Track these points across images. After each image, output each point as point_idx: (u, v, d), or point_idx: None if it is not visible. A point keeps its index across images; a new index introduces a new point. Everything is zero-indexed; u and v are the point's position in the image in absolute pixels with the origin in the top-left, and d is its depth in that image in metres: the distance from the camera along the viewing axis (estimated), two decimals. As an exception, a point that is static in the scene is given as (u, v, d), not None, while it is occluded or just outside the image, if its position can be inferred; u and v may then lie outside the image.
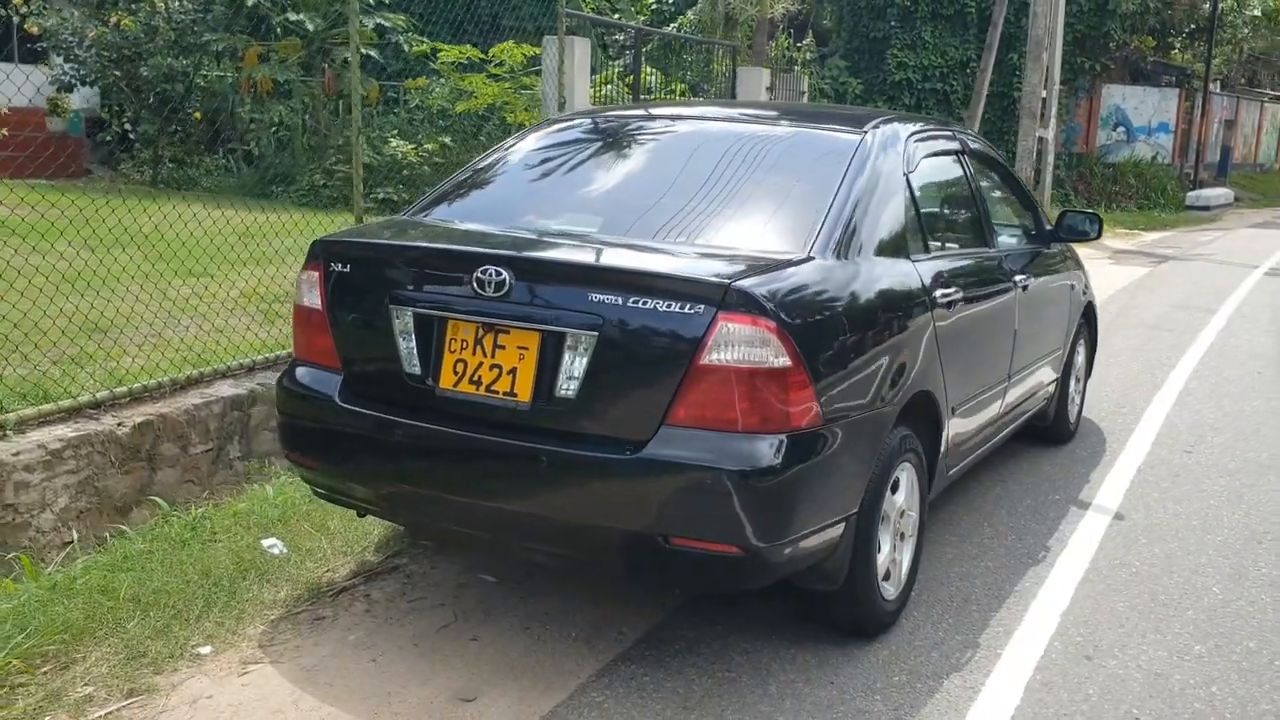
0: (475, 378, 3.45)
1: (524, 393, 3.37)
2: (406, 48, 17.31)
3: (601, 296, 3.27)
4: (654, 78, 15.58)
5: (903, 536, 3.99)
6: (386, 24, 16.69)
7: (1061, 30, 19.63)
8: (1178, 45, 33.92)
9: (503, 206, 4.12)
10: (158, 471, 5.77)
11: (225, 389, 6.26)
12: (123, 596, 3.89)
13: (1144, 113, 31.28)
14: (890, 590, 3.92)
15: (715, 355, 3.16)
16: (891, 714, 3.45)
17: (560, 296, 3.37)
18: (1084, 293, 6.33)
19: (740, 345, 3.15)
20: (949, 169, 4.77)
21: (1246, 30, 35.89)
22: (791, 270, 3.39)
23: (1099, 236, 5.66)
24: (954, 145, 4.89)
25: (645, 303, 3.23)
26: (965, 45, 26.78)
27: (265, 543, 4.41)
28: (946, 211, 4.80)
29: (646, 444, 3.22)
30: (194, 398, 6.08)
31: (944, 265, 4.26)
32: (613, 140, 4.42)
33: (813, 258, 3.50)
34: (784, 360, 3.17)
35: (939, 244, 4.39)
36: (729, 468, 3.15)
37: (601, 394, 3.29)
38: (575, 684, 3.55)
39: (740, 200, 3.88)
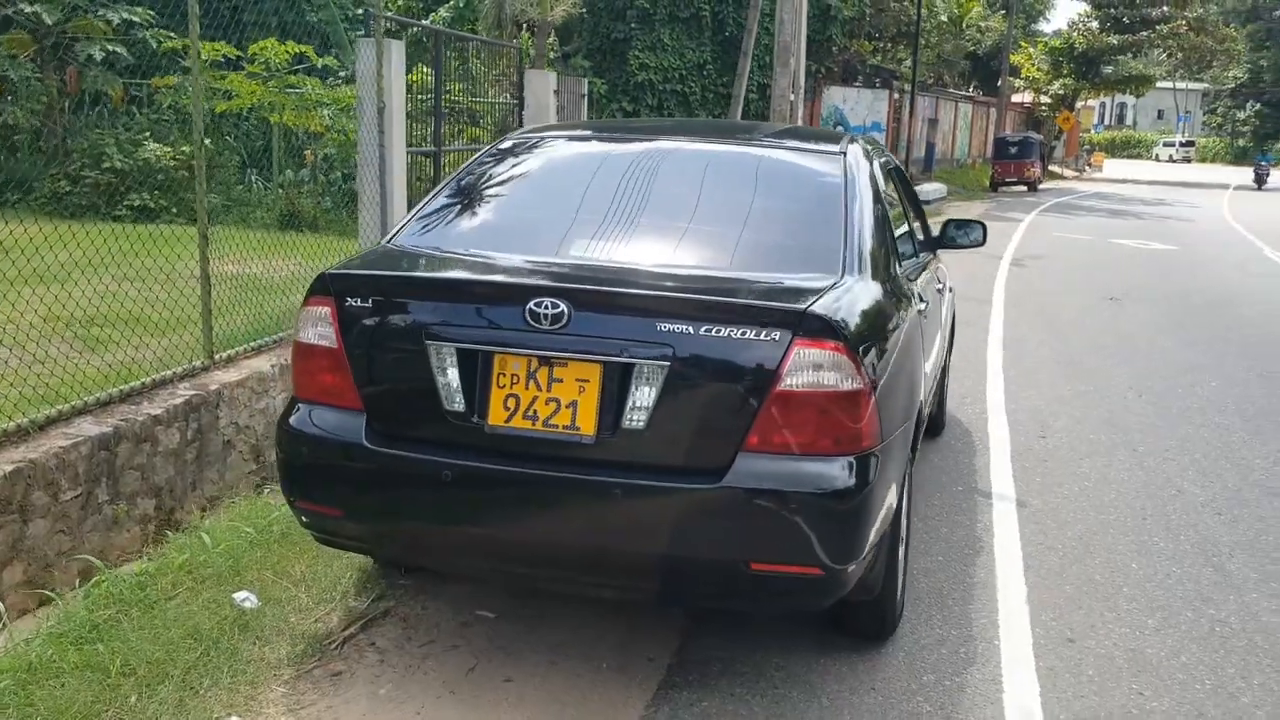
0: (530, 413, 3.35)
1: (587, 426, 3.31)
2: (155, 44, 16.21)
3: (672, 326, 3.26)
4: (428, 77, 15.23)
5: (904, 541, 4.17)
6: (135, 19, 15.59)
7: (804, 36, 20.66)
8: (886, 49, 36.30)
9: (513, 232, 4.00)
10: (29, 524, 5.27)
11: (88, 427, 5.77)
12: (115, 672, 3.54)
13: (859, 112, 33.35)
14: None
15: (792, 380, 3.22)
16: (940, 713, 3.62)
17: (626, 327, 3.33)
18: (950, 290, 6.77)
19: (816, 370, 3.23)
20: (888, 183, 5.00)
21: (935, 36, 38.84)
22: (842, 292, 3.48)
23: (984, 243, 6.07)
24: (886, 159, 5.12)
25: (719, 331, 3.24)
26: (701, 48, 27.69)
27: (237, 596, 4.11)
28: (897, 226, 5.04)
29: (726, 472, 3.24)
30: (58, 439, 5.58)
31: (913, 278, 4.48)
32: (602, 161, 4.38)
33: (847, 279, 3.61)
34: (855, 383, 3.27)
35: (899, 257, 4.61)
36: (812, 492, 3.22)
37: (672, 424, 3.27)
38: (639, 715, 3.52)
39: (757, 223, 3.94)
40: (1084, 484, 6.07)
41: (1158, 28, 45.26)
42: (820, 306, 3.29)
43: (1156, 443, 6.94)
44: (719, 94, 27.70)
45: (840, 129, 32.84)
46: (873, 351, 3.43)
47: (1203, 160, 74.99)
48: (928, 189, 29.76)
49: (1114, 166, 60.50)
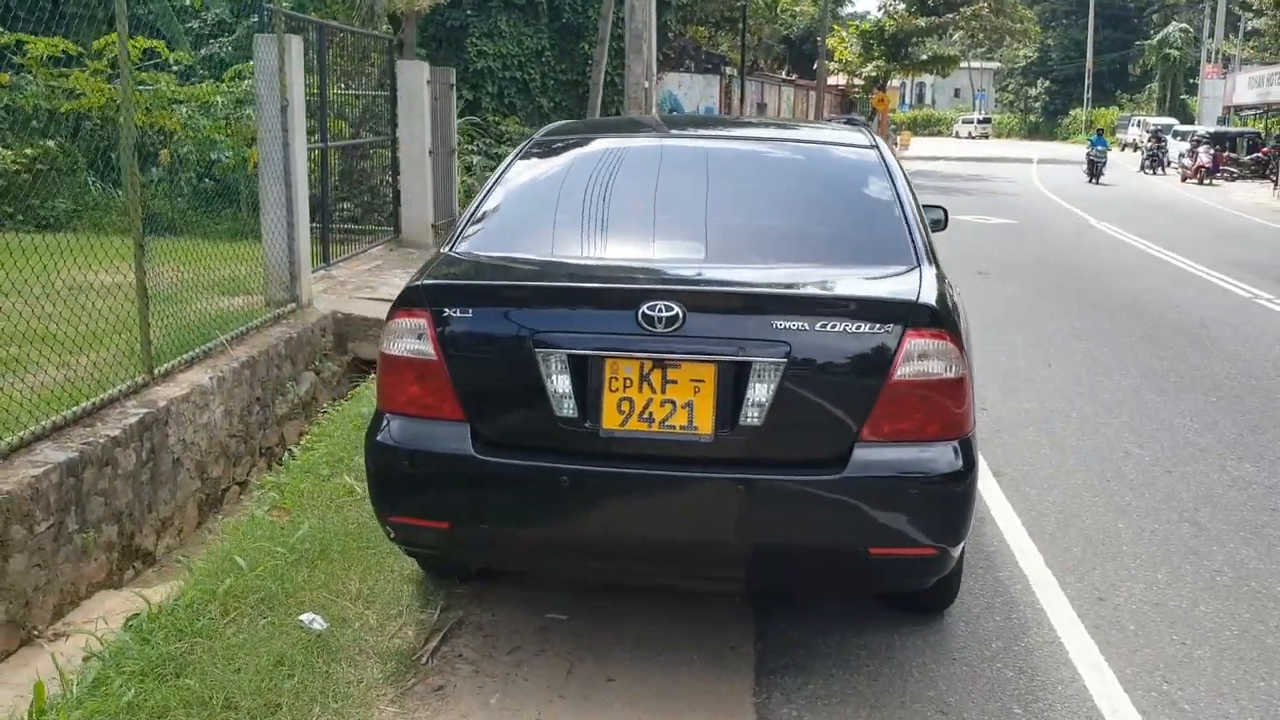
0: (646, 415, 3.39)
1: (704, 425, 3.38)
2: (-24, 40, 15.17)
3: (788, 323, 3.36)
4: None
5: None
6: (-49, 11, 14.53)
7: (655, 23, 20.88)
8: (710, 35, 36.95)
9: (590, 235, 4.00)
10: (9, 560, 5.02)
11: (52, 453, 5.52)
12: (220, 706, 3.42)
13: (693, 97, 33.89)
14: None
15: (905, 370, 3.36)
16: (1022, 677, 3.85)
17: (741, 327, 3.41)
18: None
19: (927, 359, 3.38)
20: None
21: (753, 21, 39.74)
22: (928, 282, 3.63)
23: (945, 227, 6.34)
24: None
25: (834, 326, 3.36)
26: (539, 35, 27.59)
27: (304, 619, 4.00)
28: None
29: (846, 462, 3.36)
30: (26, 468, 5.32)
31: None
32: (651, 160, 4.42)
33: (922, 268, 3.76)
34: (960, 370, 3.44)
35: None
36: (930, 476, 3.38)
37: (788, 419, 3.37)
38: (752, 704, 3.62)
39: (821, 216, 4.07)
40: (1041, 451, 6.44)
41: (961, 10, 47.43)
42: (925, 297, 3.44)
43: (1085, 408, 7.40)
44: (559, 81, 27.68)
45: (675, 114, 33.31)
46: (964, 338, 3.60)
47: (999, 136, 78.88)
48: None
49: (919, 144, 63.03)
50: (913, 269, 3.74)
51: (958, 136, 77.02)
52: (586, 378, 3.41)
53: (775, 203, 4.16)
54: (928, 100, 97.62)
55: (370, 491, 3.74)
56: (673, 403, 3.39)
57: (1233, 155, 35.66)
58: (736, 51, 37.17)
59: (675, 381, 3.39)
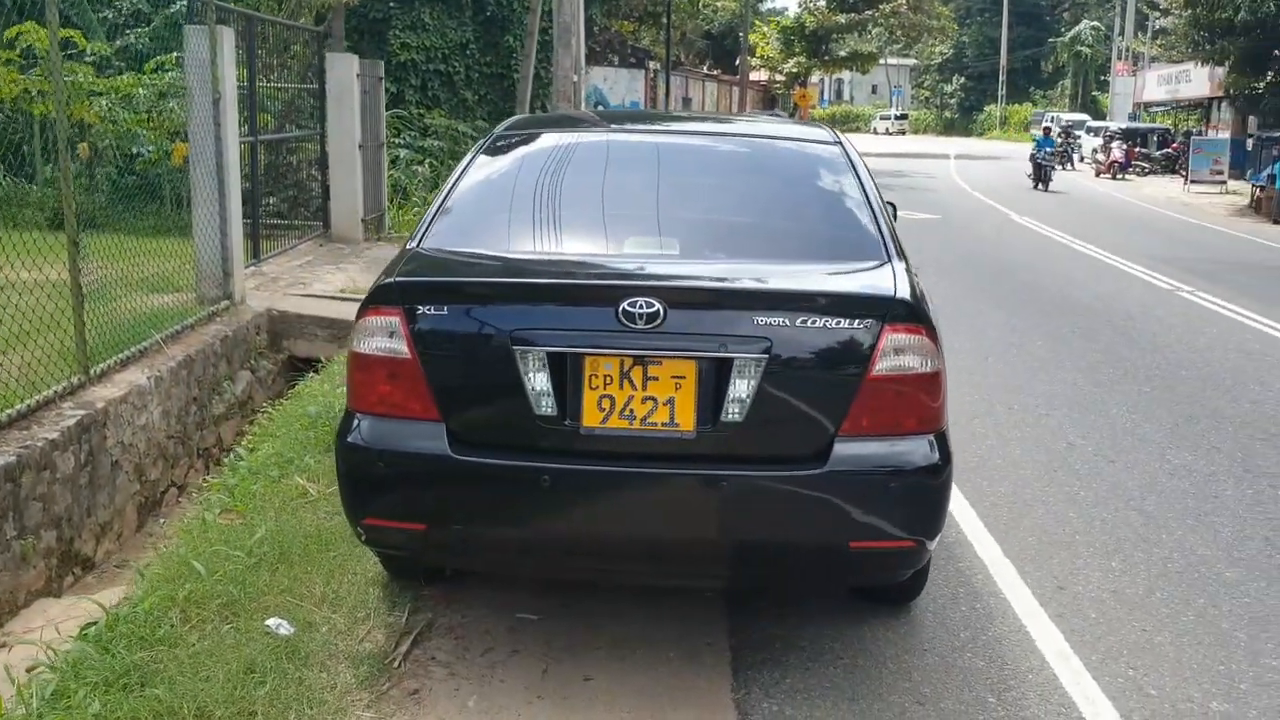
0: (627, 412, 3.37)
1: (686, 422, 3.37)
2: None
3: (768, 319, 3.36)
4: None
5: None
6: None
7: (583, 16, 20.81)
8: (639, 28, 36.95)
9: (560, 231, 3.95)
10: (-49, 568, 4.85)
11: (-13, 456, 5.33)
12: (190, 716, 3.33)
13: (619, 91, 33.88)
14: None
15: (885, 365, 3.38)
16: (993, 665, 3.91)
17: (722, 323, 3.40)
18: None
19: (905, 354, 3.40)
20: None
21: (677, 16, 39.81)
22: (900, 277, 3.66)
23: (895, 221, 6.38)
24: None
25: (814, 321, 3.37)
26: (463, 28, 27.32)
27: (270, 623, 3.91)
28: None
29: (826, 457, 3.37)
30: (-38, 472, 5.15)
31: None
32: (616, 154, 4.38)
33: (893, 264, 3.79)
34: (936, 364, 3.47)
35: None
36: (909, 470, 3.41)
37: (770, 414, 3.37)
38: (732, 699, 3.62)
39: (788, 212, 4.08)
40: (987, 442, 6.53)
41: (880, 6, 47.99)
42: (902, 292, 3.47)
43: (1026, 400, 7.53)
44: (484, 74, 27.44)
45: (601, 108, 33.27)
46: (938, 333, 3.63)
47: (916, 132, 79.98)
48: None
49: (840, 139, 63.65)
50: (884, 264, 3.77)
51: (875, 133, 77.91)
52: (565, 375, 3.38)
53: (746, 199, 4.16)
54: (846, 96, 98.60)
55: (342, 493, 3.67)
56: (654, 400, 3.37)
57: (1144, 151, 36.58)
58: (660, 45, 37.21)
59: (656, 378, 3.37)
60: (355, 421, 3.56)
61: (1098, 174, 36.22)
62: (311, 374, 8.24)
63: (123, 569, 6.26)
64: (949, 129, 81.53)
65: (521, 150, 4.41)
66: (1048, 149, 30.30)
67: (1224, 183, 29.45)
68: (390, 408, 3.51)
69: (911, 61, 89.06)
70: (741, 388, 3.34)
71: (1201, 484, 5.91)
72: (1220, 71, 30.43)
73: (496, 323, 3.43)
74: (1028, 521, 5.28)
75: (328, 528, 4.72)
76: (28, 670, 4.50)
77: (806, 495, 3.38)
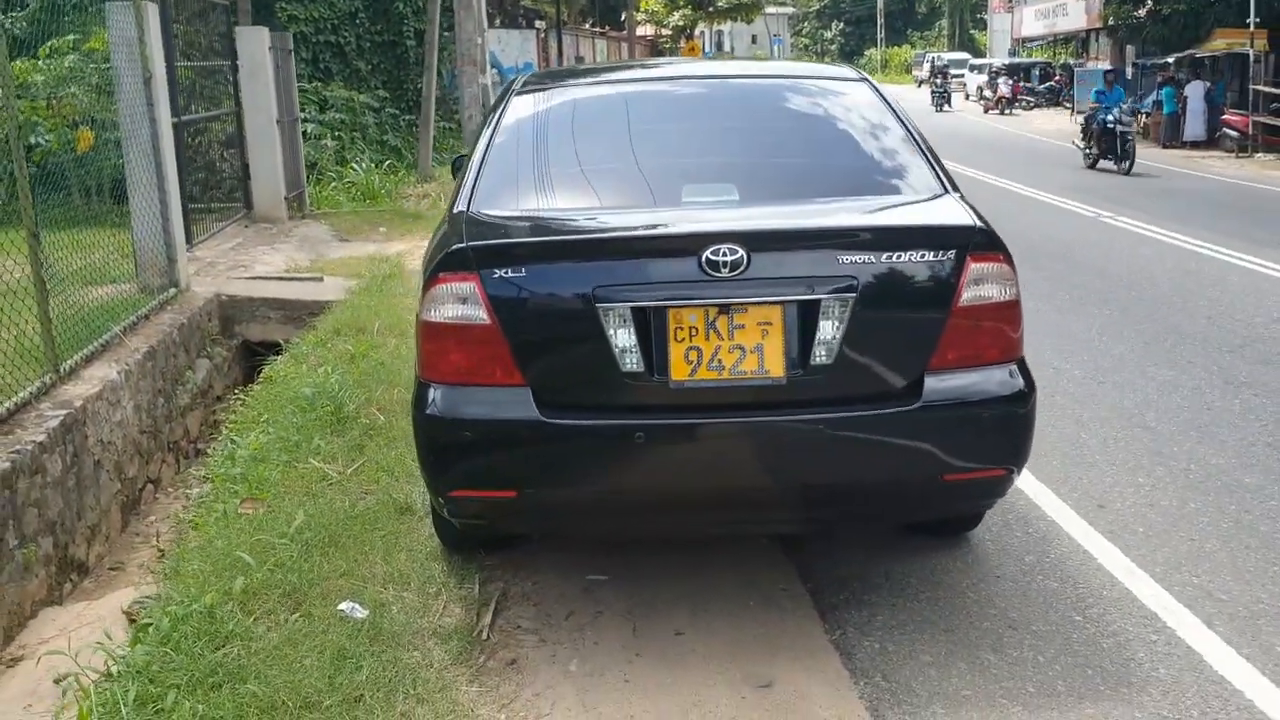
0: (715, 363, 3.33)
1: (775, 368, 3.34)
2: None
3: (854, 257, 3.34)
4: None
5: None
6: None
7: (482, -22, 20.42)
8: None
9: (618, 184, 3.86)
10: (-40, 582, 4.64)
11: (-20, 462, 5.09)
12: (297, 707, 3.22)
13: (511, 53, 33.31)
14: None
15: (969, 295, 3.39)
16: (1067, 586, 3.99)
17: (807, 265, 3.37)
18: None
19: (986, 283, 3.42)
20: None
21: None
22: (967, 207, 3.66)
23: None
24: None
25: (898, 256, 3.36)
26: (351, -5, 26.61)
27: (343, 608, 3.80)
28: None
29: (918, 392, 3.38)
30: (-42, 480, 4.91)
31: None
32: (648, 104, 4.30)
33: (953, 194, 3.79)
34: (1014, 291, 3.49)
35: None
36: (999, 399, 3.43)
37: (859, 354, 3.36)
38: (826, 642, 3.63)
39: (833, 150, 4.05)
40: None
41: (761, -45, 48.12)
42: (980, 221, 3.48)
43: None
44: (375, 43, 26.76)
45: (495, 70, 32.73)
46: (1013, 261, 3.64)
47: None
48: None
49: (727, 91, 63.88)
50: (944, 194, 3.78)
51: (760, 82, 78.15)
52: (650, 329, 3.32)
53: (790, 139, 4.12)
54: (727, 47, 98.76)
55: (424, 467, 3.56)
56: (741, 348, 3.33)
57: (1028, 85, 37.43)
58: (547, 5, 36.77)
59: (742, 326, 3.33)
60: (431, 393, 3.45)
61: (986, 110, 36.97)
62: (273, 357, 8.00)
63: (118, 571, 6.04)
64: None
65: (550, 106, 4.28)
66: (1119, 104, 19.36)
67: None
68: (470, 375, 3.41)
69: (790, 9, 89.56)
70: (829, 329, 3.32)
71: (1191, 397, 6.10)
72: (1097, 3, 31.22)
73: (577, 281, 3.35)
74: (1045, 444, 5.37)
75: (365, 508, 4.60)
76: (55, 682, 4.33)
77: (902, 431, 3.38)
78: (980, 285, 3.40)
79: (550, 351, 3.40)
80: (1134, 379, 6.44)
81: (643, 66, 5.38)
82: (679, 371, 3.33)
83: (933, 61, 53.37)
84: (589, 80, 4.61)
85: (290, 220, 13.13)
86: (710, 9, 49.48)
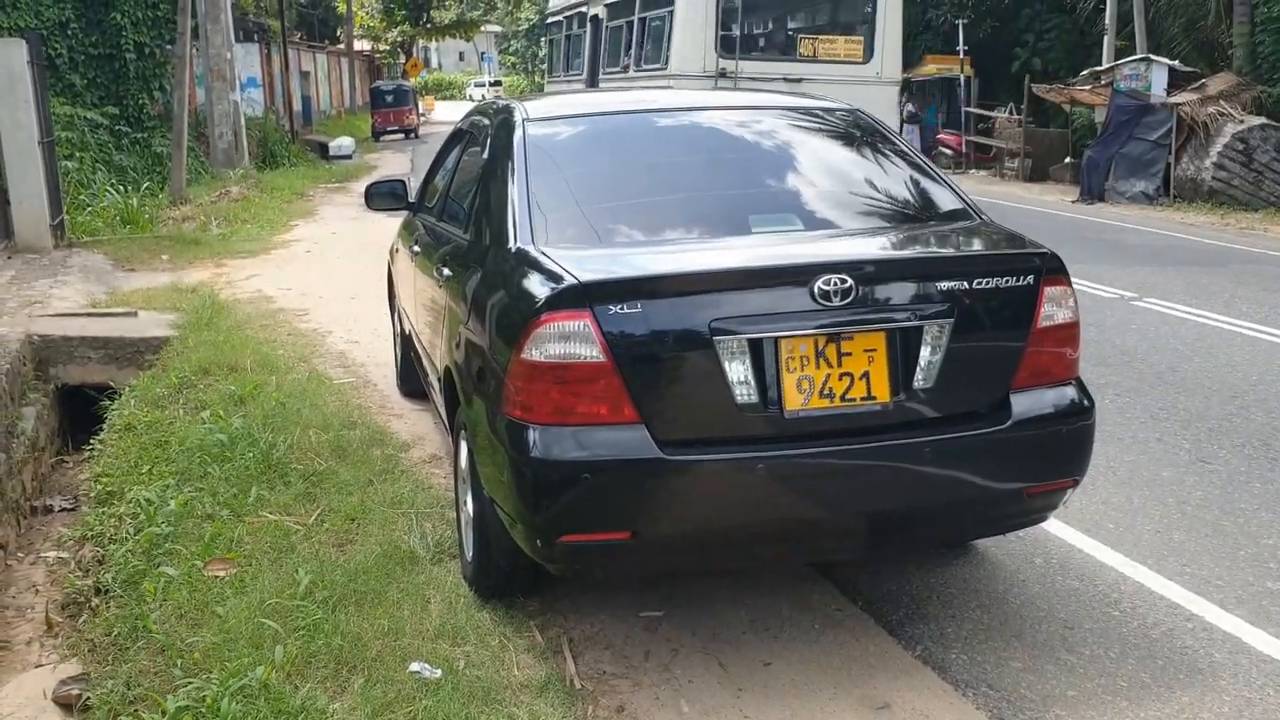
0: (826, 391, 3.37)
1: (881, 393, 3.42)
2: None
3: (951, 285, 3.46)
4: None
5: None
6: None
7: (227, -10, 19.40)
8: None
9: (680, 216, 3.81)
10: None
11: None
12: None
13: (236, 68, 31.71)
14: None
15: (1046, 318, 3.59)
16: (1085, 584, 4.27)
17: (910, 292, 3.46)
18: None
19: (1058, 304, 3.63)
20: None
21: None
22: (1012, 231, 3.87)
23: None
24: None
25: (989, 283, 3.51)
26: (60, 5, 24.67)
27: (415, 669, 3.56)
28: None
29: (1008, 410, 3.54)
30: None
31: None
32: (679, 136, 4.27)
33: (983, 216, 4.00)
34: (1077, 313, 3.72)
35: None
36: (1073, 413, 3.65)
37: (956, 376, 3.48)
38: (911, 659, 3.72)
39: (867, 178, 4.17)
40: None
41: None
42: (1047, 247, 3.68)
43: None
44: (90, 56, 24.90)
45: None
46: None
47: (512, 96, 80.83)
48: (340, 143, 29.41)
49: (443, 108, 63.35)
50: (981, 219, 3.98)
51: (471, 99, 78.09)
52: (763, 360, 3.32)
53: (819, 167, 4.21)
54: (434, 64, 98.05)
55: (531, 515, 3.37)
56: (849, 375, 3.38)
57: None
58: (267, 17, 35.33)
59: (849, 354, 3.39)
60: (532, 435, 3.30)
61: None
62: (105, 400, 7.34)
63: (5, 651, 5.38)
64: (542, 91, 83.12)
65: (574, 136, 4.18)
66: None
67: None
68: (577, 415, 3.28)
69: (497, 28, 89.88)
70: (929, 353, 3.43)
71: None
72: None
73: (693, 315, 3.29)
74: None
75: (362, 562, 4.31)
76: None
77: (998, 449, 3.52)
78: (1052, 307, 3.60)
79: (665, 387, 3.32)
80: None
81: (637, 97, 5.33)
82: (792, 401, 3.34)
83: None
84: (604, 111, 4.55)
85: (57, 250, 12.02)
86: (429, 26, 48.94)
